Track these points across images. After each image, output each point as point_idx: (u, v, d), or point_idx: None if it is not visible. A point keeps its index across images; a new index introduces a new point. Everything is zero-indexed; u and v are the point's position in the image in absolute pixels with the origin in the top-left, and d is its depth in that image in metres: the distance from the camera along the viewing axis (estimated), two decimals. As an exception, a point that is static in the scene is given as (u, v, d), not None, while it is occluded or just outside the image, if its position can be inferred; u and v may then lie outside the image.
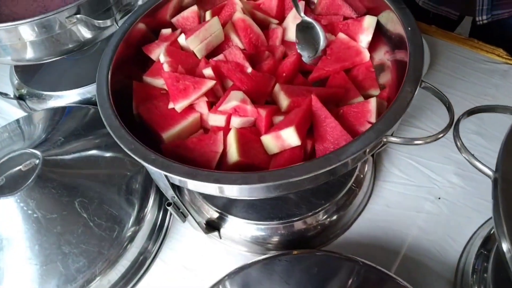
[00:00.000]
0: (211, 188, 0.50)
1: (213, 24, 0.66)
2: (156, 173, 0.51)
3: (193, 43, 0.65)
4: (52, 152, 0.73)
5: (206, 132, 0.60)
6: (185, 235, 0.73)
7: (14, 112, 0.99)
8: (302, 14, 0.68)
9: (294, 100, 0.57)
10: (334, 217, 0.68)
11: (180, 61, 0.64)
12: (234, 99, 0.55)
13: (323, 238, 0.69)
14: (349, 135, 0.51)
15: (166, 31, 0.71)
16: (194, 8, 0.72)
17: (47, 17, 0.72)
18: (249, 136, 0.54)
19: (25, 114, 0.98)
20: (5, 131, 0.83)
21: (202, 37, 0.65)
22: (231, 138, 0.53)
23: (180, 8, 0.74)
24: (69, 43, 0.79)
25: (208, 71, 0.60)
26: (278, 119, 0.57)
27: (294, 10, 0.70)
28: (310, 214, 0.67)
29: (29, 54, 0.79)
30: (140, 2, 0.74)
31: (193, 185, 0.49)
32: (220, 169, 0.54)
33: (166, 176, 0.50)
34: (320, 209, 0.67)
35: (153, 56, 0.68)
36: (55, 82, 0.95)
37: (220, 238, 0.70)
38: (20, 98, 0.96)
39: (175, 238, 0.74)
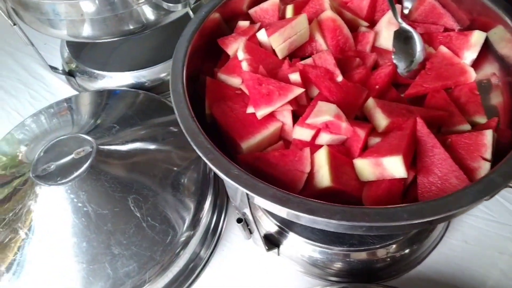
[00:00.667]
0: (293, 215, 0.43)
1: (300, 22, 0.59)
2: (236, 188, 0.45)
3: (276, 41, 0.58)
4: (105, 141, 0.68)
5: (286, 144, 0.53)
6: (237, 243, 0.68)
7: (62, 87, 0.94)
8: (400, 20, 0.60)
9: (394, 120, 0.50)
10: (407, 251, 0.61)
11: (260, 60, 0.58)
12: (327, 114, 0.48)
13: (391, 271, 0.62)
14: (461, 172, 0.44)
15: (244, 24, 0.64)
16: (276, 1, 0.65)
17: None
18: (341, 158, 0.48)
19: (72, 90, 0.93)
20: (52, 110, 0.78)
21: (286, 35, 0.59)
22: (322, 158, 0.46)
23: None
24: (131, 24, 0.73)
25: (295, 76, 0.53)
26: (374, 140, 0.50)
27: (388, 14, 0.63)
28: (380, 245, 0.60)
29: (87, 31, 0.73)
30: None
31: (277, 209, 0.43)
32: (303, 190, 0.48)
33: (247, 194, 0.44)
34: (392, 241, 0.60)
35: (229, 51, 0.61)
36: (108, 61, 0.90)
37: (279, 255, 0.64)
38: (69, 73, 0.91)
39: (226, 246, 0.69)
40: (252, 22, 0.67)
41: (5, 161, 0.69)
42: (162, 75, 0.88)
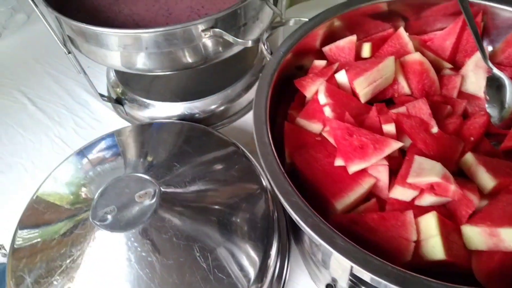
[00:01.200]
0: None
1: (387, 66, 0.55)
2: (331, 254, 0.41)
3: (361, 86, 0.54)
4: (167, 182, 0.64)
5: (379, 202, 0.49)
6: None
7: (108, 114, 0.91)
8: (491, 64, 0.56)
9: (502, 181, 0.45)
10: None
11: (343, 105, 0.54)
12: (432, 174, 0.44)
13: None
14: None
15: (320, 63, 0.61)
16: (353, 38, 0.61)
17: (181, 28, 0.62)
18: (448, 224, 0.43)
19: (119, 117, 0.90)
20: (103, 143, 0.75)
21: (371, 79, 0.55)
22: (432, 226, 0.42)
23: (330, 34, 0.63)
24: (191, 58, 0.69)
25: (389, 128, 0.49)
26: (480, 203, 0.45)
27: (475, 56, 0.58)
28: None
29: (143, 64, 0.70)
30: (291, 23, 0.63)
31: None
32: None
33: (351, 267, 0.40)
34: None
35: (307, 94, 0.57)
36: (158, 90, 0.87)
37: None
38: (117, 101, 0.88)
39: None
40: (325, 59, 0.63)
41: (64, 197, 0.66)
42: (213, 106, 0.85)
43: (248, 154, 0.75)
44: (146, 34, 0.62)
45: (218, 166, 0.71)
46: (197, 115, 0.84)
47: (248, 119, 0.87)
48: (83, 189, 0.66)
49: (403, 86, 0.58)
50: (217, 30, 0.64)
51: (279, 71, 0.55)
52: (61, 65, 1.01)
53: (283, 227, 0.70)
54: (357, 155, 0.47)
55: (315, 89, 0.57)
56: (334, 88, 0.55)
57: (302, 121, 0.55)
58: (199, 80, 0.88)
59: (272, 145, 0.47)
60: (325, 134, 0.53)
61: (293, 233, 0.69)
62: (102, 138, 0.76)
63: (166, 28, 0.61)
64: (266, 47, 0.61)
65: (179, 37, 0.64)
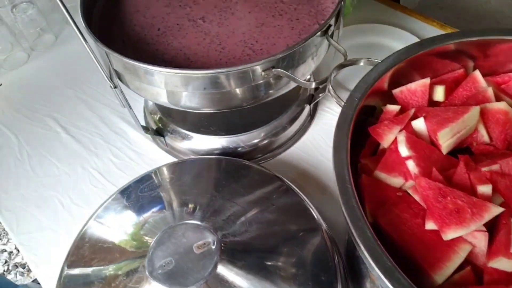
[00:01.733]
0: None
1: (472, 116, 0.51)
2: None
3: (445, 137, 0.51)
4: (223, 227, 0.61)
5: (474, 270, 0.45)
6: None
7: (146, 144, 0.87)
8: None
9: None
10: None
11: (425, 157, 0.50)
12: (543, 247, 0.40)
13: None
14: None
15: (393, 108, 0.57)
16: (427, 81, 0.57)
17: (245, 68, 0.59)
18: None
19: (158, 148, 0.86)
20: (151, 183, 0.71)
21: (456, 130, 0.51)
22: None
23: (398, 75, 0.60)
24: (244, 97, 0.66)
25: (485, 189, 0.46)
26: None
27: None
28: None
29: (192, 102, 0.66)
30: (362, 63, 0.60)
31: None
32: None
33: None
34: None
35: (385, 143, 0.54)
36: (201, 122, 0.83)
37: None
38: (158, 133, 0.84)
39: None
40: (393, 101, 0.60)
41: (114, 242, 0.62)
42: (257, 140, 0.81)
43: (297, 189, 0.72)
44: (209, 75, 0.59)
45: (269, 206, 0.68)
46: (240, 149, 0.81)
47: (293, 152, 0.84)
48: (134, 235, 0.62)
49: (483, 135, 0.54)
50: (279, 70, 0.60)
51: (354, 120, 0.52)
52: (94, 90, 0.98)
53: (342, 273, 0.66)
54: (454, 220, 0.44)
55: (393, 138, 0.53)
56: (415, 139, 0.51)
57: (382, 175, 0.51)
58: (243, 113, 0.84)
59: (361, 209, 0.43)
60: (409, 191, 0.49)
61: (352, 280, 0.65)
62: (145, 177, 0.72)
63: (232, 68, 0.58)
64: (333, 89, 0.58)
65: (239, 77, 0.60)
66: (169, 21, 0.73)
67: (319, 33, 0.62)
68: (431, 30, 1.03)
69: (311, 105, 0.86)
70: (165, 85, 0.62)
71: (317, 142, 0.84)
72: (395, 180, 0.51)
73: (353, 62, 0.60)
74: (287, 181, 0.73)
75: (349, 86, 0.89)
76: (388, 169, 0.51)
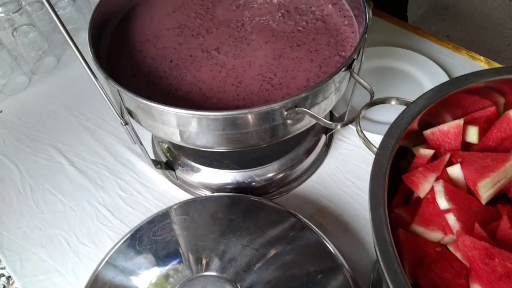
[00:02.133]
0: None
1: (514, 164, 0.48)
2: None
3: (485, 188, 0.48)
4: (243, 277, 0.57)
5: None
6: None
7: (155, 176, 0.84)
8: None
9: None
10: None
11: (464, 209, 0.47)
12: None
13: None
14: None
15: (426, 153, 0.54)
16: (460, 123, 0.54)
17: (268, 109, 0.55)
18: None
19: (168, 181, 0.83)
20: (158, 227, 0.67)
21: (496, 180, 0.48)
22: None
23: (428, 115, 0.57)
24: (260, 139, 0.62)
25: (536, 250, 0.42)
26: None
27: None
28: None
29: (207, 142, 0.62)
30: (393, 102, 0.57)
31: None
32: None
33: None
34: None
35: (421, 192, 0.50)
36: (214, 156, 0.79)
37: None
38: (168, 166, 0.80)
39: None
40: (424, 141, 0.56)
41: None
42: (272, 174, 0.78)
43: (315, 228, 0.69)
44: (229, 116, 0.55)
45: (287, 246, 0.65)
46: (254, 183, 0.77)
47: (309, 185, 0.80)
48: (151, 286, 0.58)
49: (522, 183, 0.51)
50: (304, 110, 0.57)
51: (389, 169, 0.48)
52: (98, 117, 0.94)
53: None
54: (504, 286, 0.40)
55: (429, 187, 0.50)
56: (453, 189, 0.48)
57: (420, 229, 0.48)
58: (257, 148, 0.81)
59: (404, 273, 0.40)
60: (449, 247, 0.46)
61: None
62: (157, 217, 0.69)
63: (254, 109, 0.55)
64: (361, 131, 0.54)
65: (260, 117, 0.57)
66: (181, 52, 0.70)
67: (343, 68, 0.59)
68: (446, 53, 1.00)
69: (327, 135, 0.83)
70: (181, 126, 0.59)
71: (334, 174, 0.80)
72: (434, 235, 0.48)
73: (383, 101, 0.57)
74: (304, 219, 0.70)
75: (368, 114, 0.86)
76: (426, 222, 0.48)
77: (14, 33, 0.97)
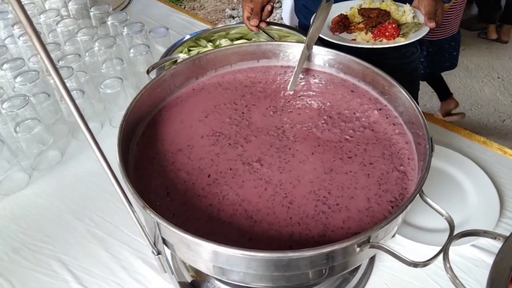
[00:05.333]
0: None
1: None
2: None
3: None
4: None
5: None
6: None
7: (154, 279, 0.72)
8: None
9: None
10: None
11: None
12: None
13: None
14: None
15: None
16: None
17: (337, 248, 0.47)
18: None
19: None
20: None
21: None
22: None
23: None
24: (313, 277, 0.54)
25: None
26: None
27: None
28: None
29: (248, 279, 0.54)
30: (481, 236, 0.49)
31: None
32: None
33: None
34: None
35: None
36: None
37: None
38: (193, 286, 0.70)
39: None
40: None
41: None
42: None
43: None
44: (287, 258, 0.47)
45: None
46: None
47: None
48: None
49: None
50: (380, 245, 0.49)
51: None
52: (108, 222, 0.84)
53: None
54: None
55: None
56: None
57: None
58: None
59: None
60: None
61: None
62: None
63: (325, 249, 0.46)
64: (451, 270, 0.47)
65: (327, 256, 0.48)
66: (219, 165, 0.62)
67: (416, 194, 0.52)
68: (476, 147, 0.96)
69: (371, 247, 0.75)
70: (224, 263, 0.50)
71: (385, 293, 0.71)
72: None
73: (474, 234, 0.49)
74: None
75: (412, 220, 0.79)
76: None
77: (17, 128, 0.88)
